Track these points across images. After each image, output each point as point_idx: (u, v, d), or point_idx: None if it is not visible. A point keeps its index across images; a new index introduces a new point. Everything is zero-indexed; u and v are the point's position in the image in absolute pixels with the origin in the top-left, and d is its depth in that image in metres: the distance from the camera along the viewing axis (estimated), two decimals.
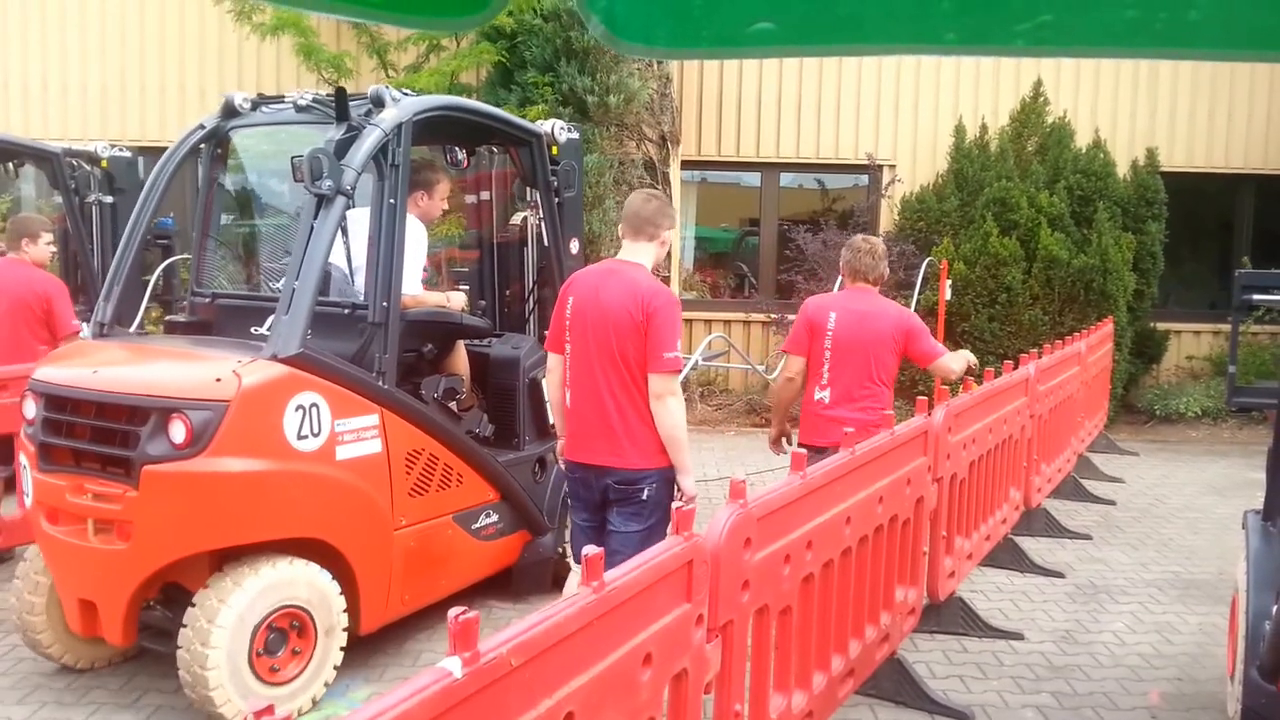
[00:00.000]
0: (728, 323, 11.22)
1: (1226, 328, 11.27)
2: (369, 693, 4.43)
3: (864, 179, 11.62)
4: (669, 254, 6.59)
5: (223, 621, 3.92)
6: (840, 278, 5.39)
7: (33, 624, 4.38)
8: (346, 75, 10.42)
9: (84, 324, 6.64)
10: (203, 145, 5.24)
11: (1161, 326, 11.17)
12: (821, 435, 4.76)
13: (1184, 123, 11.59)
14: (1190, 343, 11.67)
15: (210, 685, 3.88)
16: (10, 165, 8.25)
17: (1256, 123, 11.61)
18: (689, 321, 10.65)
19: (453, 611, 1.87)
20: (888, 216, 11.19)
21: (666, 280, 9.63)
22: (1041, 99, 10.86)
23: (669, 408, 3.90)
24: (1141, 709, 4.38)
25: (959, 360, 5.00)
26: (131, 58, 11.55)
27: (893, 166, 11.39)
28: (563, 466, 4.34)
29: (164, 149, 5.29)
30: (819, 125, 11.47)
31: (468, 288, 6.15)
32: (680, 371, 4.04)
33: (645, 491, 3.92)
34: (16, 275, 6.26)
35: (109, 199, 7.88)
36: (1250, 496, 7.79)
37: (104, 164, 7.89)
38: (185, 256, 8.19)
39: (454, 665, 1.83)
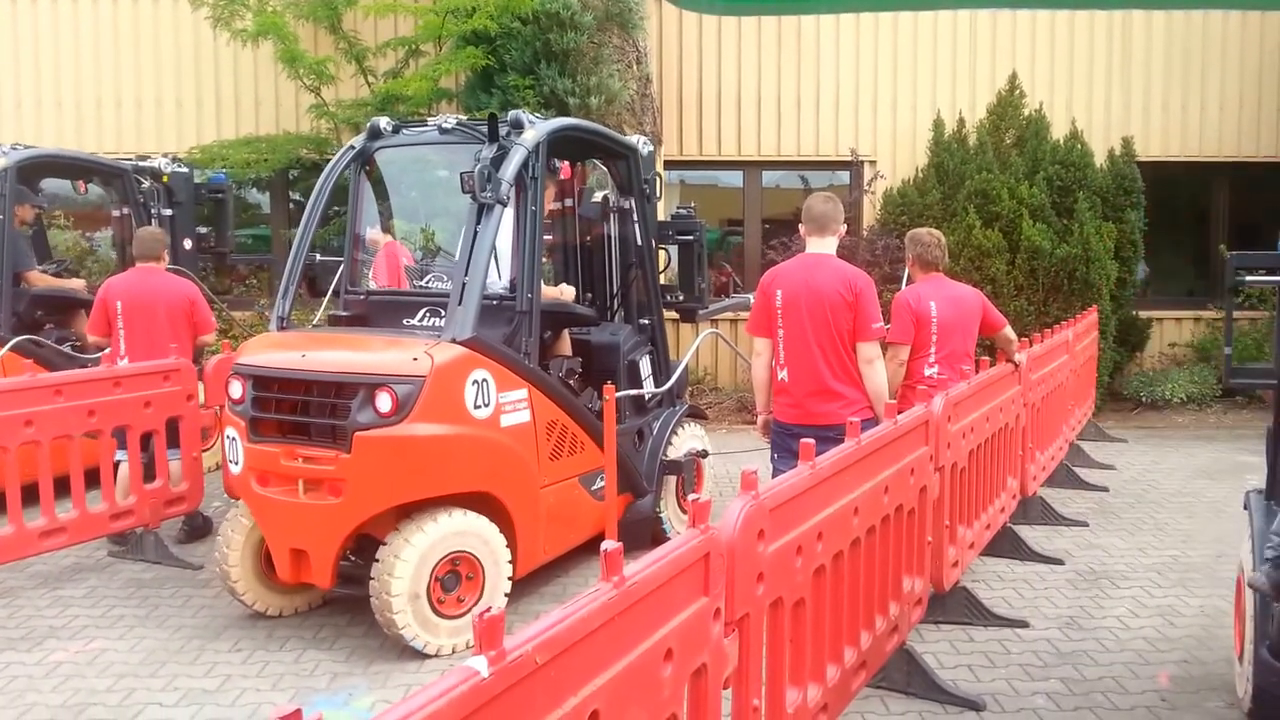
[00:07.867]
0: (714, 320, 11.15)
1: (1209, 314, 11.40)
2: (372, 700, 4.37)
3: (845, 175, 11.62)
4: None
5: (407, 556, 4.62)
6: (909, 269, 5.92)
7: (230, 571, 5.04)
8: (327, 81, 10.35)
9: None
10: (352, 164, 5.84)
11: (1144, 314, 11.20)
12: None
13: (1158, 112, 11.66)
14: (1172, 330, 11.73)
15: (394, 609, 4.61)
16: (81, 182, 8.53)
17: (1229, 111, 11.69)
18: (675, 322, 10.60)
19: (478, 610, 1.83)
20: (870, 212, 11.19)
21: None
22: (1018, 91, 10.87)
23: (876, 369, 4.77)
24: (1151, 692, 4.37)
25: (1012, 331, 5.93)
26: (106, 70, 11.41)
27: (873, 162, 11.39)
28: (760, 434, 5.18)
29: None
30: (799, 122, 11.47)
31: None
32: (883, 339, 4.92)
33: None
34: (162, 282, 6.63)
35: (169, 212, 8.22)
36: (1241, 479, 7.82)
37: (165, 178, 8.24)
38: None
39: (480, 664, 1.79)
